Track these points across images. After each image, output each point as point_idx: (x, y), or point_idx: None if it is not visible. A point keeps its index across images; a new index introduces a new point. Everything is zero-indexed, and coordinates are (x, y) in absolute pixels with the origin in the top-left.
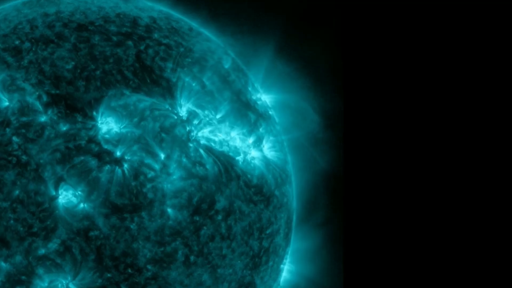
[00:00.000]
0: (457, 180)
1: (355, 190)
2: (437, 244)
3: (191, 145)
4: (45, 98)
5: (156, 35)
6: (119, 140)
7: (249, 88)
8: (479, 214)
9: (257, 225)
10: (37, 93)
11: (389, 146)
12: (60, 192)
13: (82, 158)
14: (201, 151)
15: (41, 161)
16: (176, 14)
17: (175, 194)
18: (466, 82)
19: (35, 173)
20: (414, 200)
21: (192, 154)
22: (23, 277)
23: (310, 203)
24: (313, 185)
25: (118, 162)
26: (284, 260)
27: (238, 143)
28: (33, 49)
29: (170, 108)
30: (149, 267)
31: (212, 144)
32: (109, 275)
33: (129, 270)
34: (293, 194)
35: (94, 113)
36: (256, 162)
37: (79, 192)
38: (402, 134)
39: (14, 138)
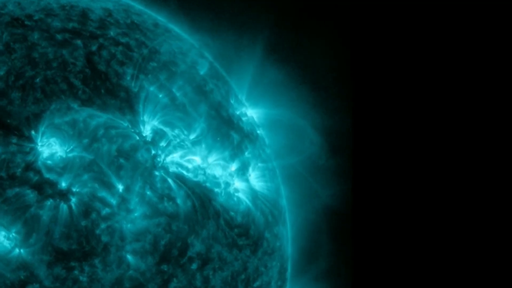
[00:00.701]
0: (481, 214)
1: (366, 232)
2: None
3: (157, 173)
4: None
5: (112, 33)
6: (64, 167)
7: (231, 101)
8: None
9: (242, 276)
10: None
11: (410, 175)
12: None
13: (17, 190)
14: (170, 181)
15: None
16: (137, 5)
17: (137, 237)
18: (492, 110)
19: None
20: (438, 248)
21: (158, 186)
22: None
23: (309, 249)
24: (313, 225)
25: (64, 195)
26: None
27: (217, 171)
28: None
29: (130, 126)
30: None
31: (185, 173)
32: None
33: None
34: (287, 236)
35: (33, 132)
36: (241, 195)
37: (14, 234)
38: (425, 161)
39: None
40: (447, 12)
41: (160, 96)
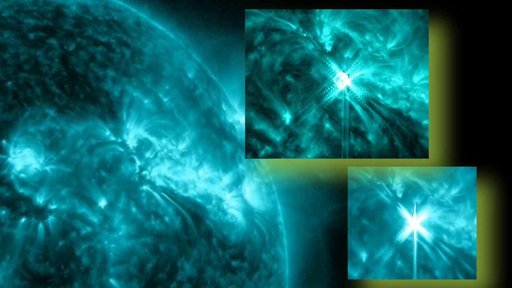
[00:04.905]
0: None
1: None
2: None
3: (143, 188)
4: None
5: (90, 31)
6: (40, 181)
7: (223, 107)
8: None
9: None
10: None
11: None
12: None
13: None
14: (158, 196)
15: None
16: (117, 0)
17: (121, 259)
18: None
19: None
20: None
21: (144, 201)
22: None
23: (310, 271)
24: (313, 245)
25: (40, 213)
26: None
27: (209, 185)
28: None
29: (112, 136)
30: None
31: (173, 187)
32: None
33: None
34: (285, 258)
35: (4, 142)
36: (235, 212)
37: None
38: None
39: None
40: None
41: (146, 101)
